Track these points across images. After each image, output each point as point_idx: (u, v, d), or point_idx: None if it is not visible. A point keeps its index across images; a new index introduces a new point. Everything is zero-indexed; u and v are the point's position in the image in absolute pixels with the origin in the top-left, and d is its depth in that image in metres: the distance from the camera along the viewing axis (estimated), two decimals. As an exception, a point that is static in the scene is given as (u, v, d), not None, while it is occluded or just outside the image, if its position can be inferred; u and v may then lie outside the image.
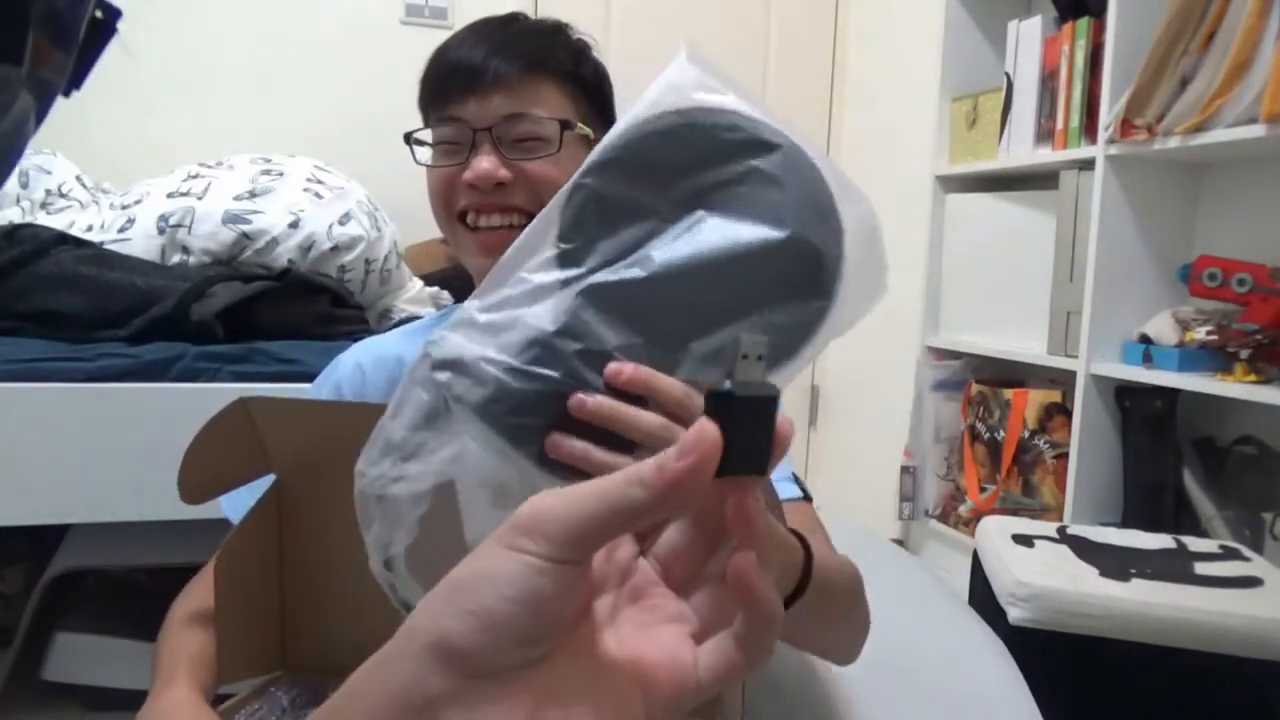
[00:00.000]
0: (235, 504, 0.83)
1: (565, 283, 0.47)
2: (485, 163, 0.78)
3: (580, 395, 0.46)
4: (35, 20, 0.38)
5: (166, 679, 0.71)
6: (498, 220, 0.80)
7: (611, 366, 0.46)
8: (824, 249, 0.48)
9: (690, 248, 0.47)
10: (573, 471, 0.47)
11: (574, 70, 0.83)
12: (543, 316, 0.47)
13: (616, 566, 0.35)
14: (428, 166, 0.83)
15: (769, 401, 0.32)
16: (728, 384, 0.31)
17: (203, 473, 0.72)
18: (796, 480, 0.83)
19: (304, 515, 0.75)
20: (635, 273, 0.47)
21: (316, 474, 0.74)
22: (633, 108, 0.48)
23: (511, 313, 0.48)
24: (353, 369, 0.89)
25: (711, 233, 0.47)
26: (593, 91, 0.85)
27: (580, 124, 0.82)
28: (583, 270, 0.48)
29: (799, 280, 0.47)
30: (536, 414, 0.47)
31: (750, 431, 0.31)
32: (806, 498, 0.82)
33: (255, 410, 0.70)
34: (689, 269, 0.47)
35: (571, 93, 0.82)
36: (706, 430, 0.29)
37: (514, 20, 0.84)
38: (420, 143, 0.83)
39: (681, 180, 0.48)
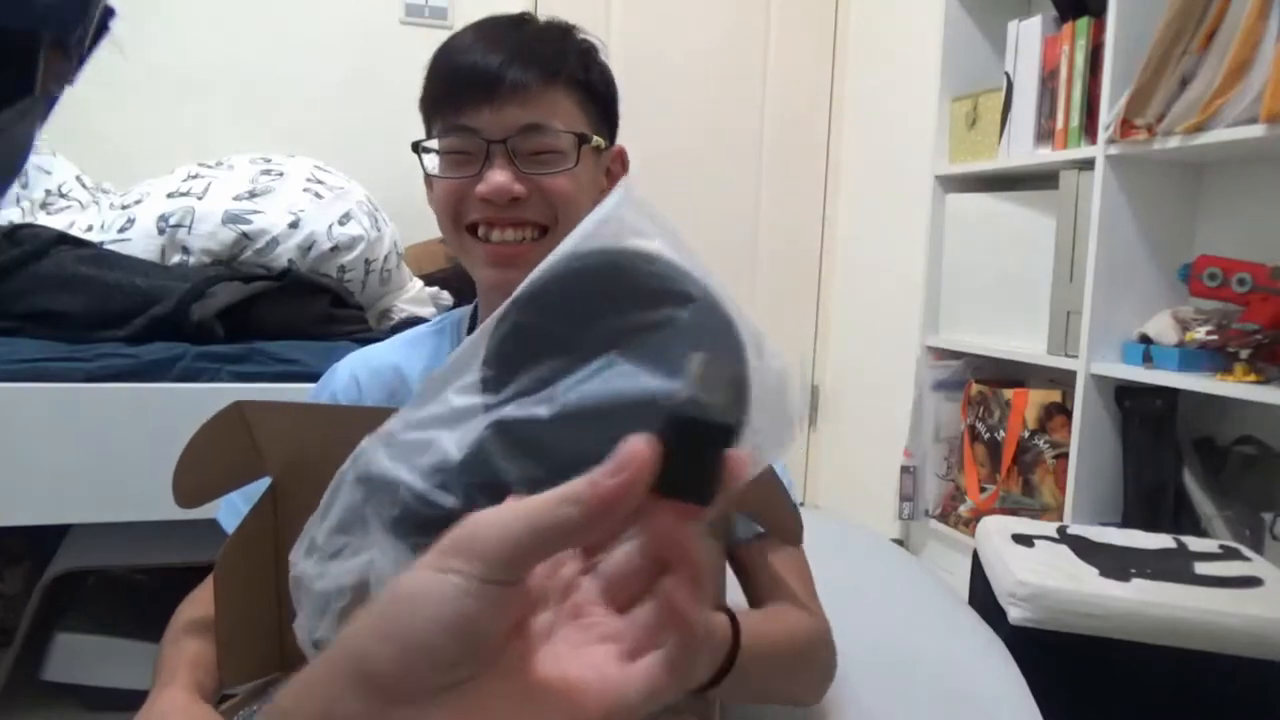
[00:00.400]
0: (230, 513, 0.82)
1: (487, 407, 0.50)
2: (500, 176, 0.76)
3: None
4: (45, 44, 0.38)
5: (165, 681, 0.71)
6: (511, 235, 0.78)
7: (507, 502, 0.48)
8: (723, 409, 0.49)
9: (597, 391, 0.48)
10: None
11: (585, 78, 0.80)
12: (453, 443, 0.49)
13: (559, 583, 0.35)
14: (435, 177, 0.80)
15: (720, 430, 0.31)
16: (681, 397, 0.31)
17: (197, 477, 0.72)
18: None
19: (300, 518, 0.75)
20: (541, 411, 0.48)
21: (312, 476, 0.74)
22: (565, 242, 0.50)
23: (429, 434, 0.50)
24: (348, 381, 0.88)
25: (619, 379, 0.48)
26: (601, 98, 0.83)
27: (594, 135, 0.80)
28: (500, 399, 0.49)
29: None
30: (437, 536, 0.49)
31: (696, 456, 0.31)
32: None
33: (250, 413, 0.71)
34: (594, 411, 0.48)
35: (582, 101, 0.80)
36: (636, 448, 0.29)
37: (524, 22, 0.81)
38: (429, 150, 0.80)
39: (601, 320, 0.49)
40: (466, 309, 0.90)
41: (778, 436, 0.49)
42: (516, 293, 0.50)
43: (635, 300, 0.49)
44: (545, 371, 0.49)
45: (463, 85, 0.77)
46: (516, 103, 0.75)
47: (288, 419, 0.73)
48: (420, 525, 0.49)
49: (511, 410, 0.49)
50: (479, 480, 0.48)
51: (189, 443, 0.71)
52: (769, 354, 0.50)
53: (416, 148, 0.80)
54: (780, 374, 0.49)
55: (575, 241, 0.50)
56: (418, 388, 0.52)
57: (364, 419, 0.77)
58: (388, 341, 0.92)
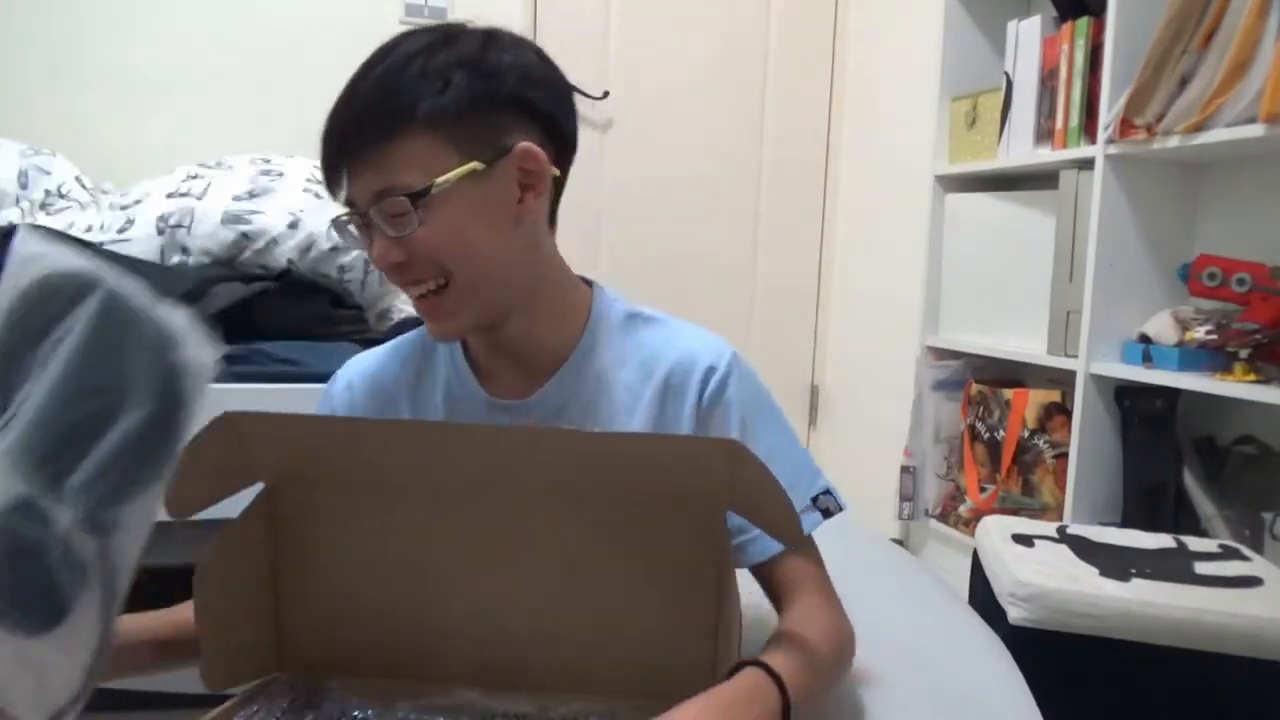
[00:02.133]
0: None
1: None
2: (376, 249, 0.75)
3: None
4: None
5: None
6: (415, 290, 0.77)
7: None
8: (158, 364, 0.60)
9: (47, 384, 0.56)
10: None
11: (436, 103, 0.71)
12: None
13: None
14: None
15: None
16: None
17: (190, 487, 0.73)
18: (816, 502, 0.81)
19: (296, 522, 0.76)
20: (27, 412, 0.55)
21: (307, 484, 0.75)
22: None
23: None
24: (344, 386, 0.89)
25: (56, 366, 0.56)
26: (469, 115, 0.73)
27: (451, 175, 0.72)
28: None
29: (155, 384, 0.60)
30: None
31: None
32: (826, 511, 0.81)
33: (241, 424, 0.71)
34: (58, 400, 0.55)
35: (442, 133, 0.72)
36: None
37: (381, 58, 0.74)
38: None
39: (39, 340, 0.57)
40: None
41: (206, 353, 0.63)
42: None
43: (49, 313, 0.57)
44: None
45: (323, 159, 0.75)
46: (364, 169, 0.73)
47: (279, 428, 0.73)
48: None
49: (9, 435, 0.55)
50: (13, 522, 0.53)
51: (181, 454, 0.72)
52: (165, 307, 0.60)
53: (335, 223, 0.78)
54: (185, 321, 0.63)
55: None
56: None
57: (356, 429, 0.78)
58: (382, 347, 0.92)
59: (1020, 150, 1.95)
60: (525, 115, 0.76)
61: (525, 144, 0.75)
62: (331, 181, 0.76)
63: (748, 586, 0.78)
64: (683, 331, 0.85)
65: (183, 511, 0.73)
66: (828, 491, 0.82)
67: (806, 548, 0.81)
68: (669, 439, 0.78)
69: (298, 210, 1.53)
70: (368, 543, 0.75)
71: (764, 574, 0.80)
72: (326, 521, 0.76)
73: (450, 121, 0.72)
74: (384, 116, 0.72)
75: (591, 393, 0.82)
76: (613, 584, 0.72)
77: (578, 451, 0.72)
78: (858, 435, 2.75)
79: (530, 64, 0.77)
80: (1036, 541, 1.34)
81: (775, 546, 0.78)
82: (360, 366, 0.90)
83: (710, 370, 0.81)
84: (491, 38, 0.77)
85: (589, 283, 0.87)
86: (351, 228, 0.77)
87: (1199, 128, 1.50)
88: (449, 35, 0.75)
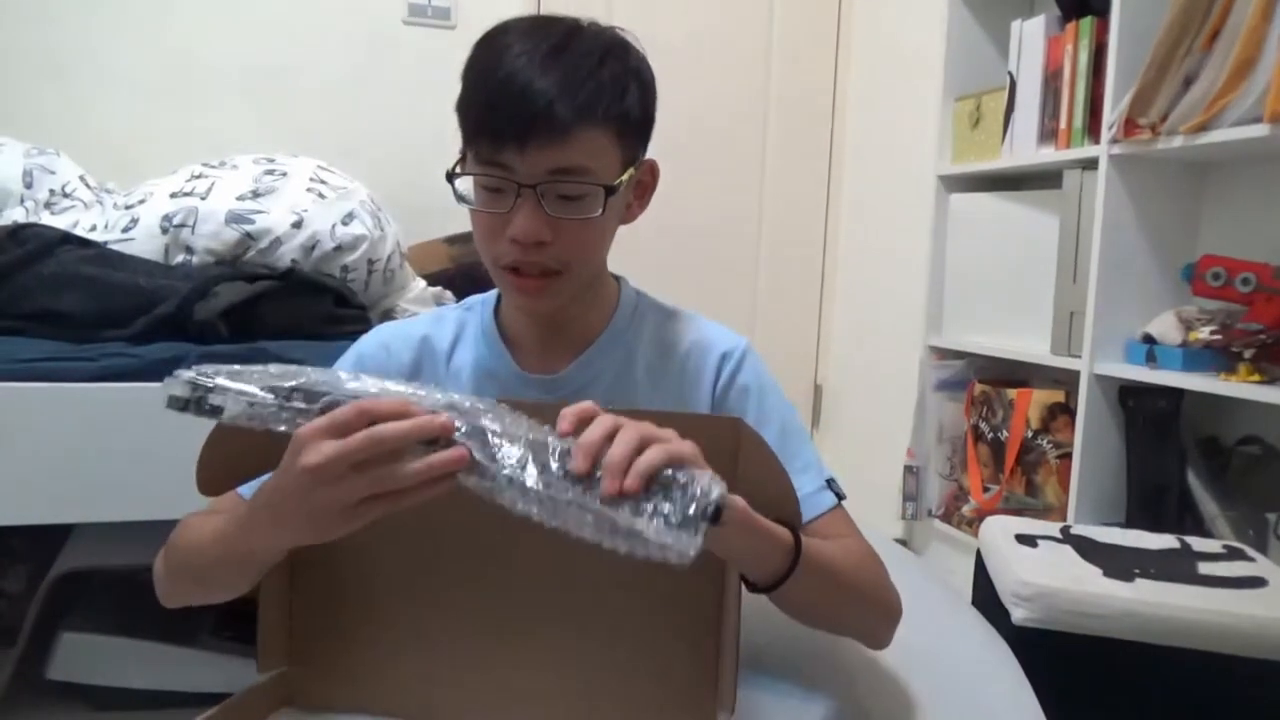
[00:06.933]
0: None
1: None
2: (528, 222, 0.75)
3: None
4: None
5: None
6: (531, 269, 0.79)
7: None
8: None
9: None
10: None
11: (622, 108, 0.77)
12: None
13: None
14: (471, 208, 0.79)
15: None
16: None
17: (219, 465, 0.74)
18: (830, 485, 0.86)
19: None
20: None
21: None
22: None
23: None
24: (376, 347, 0.90)
25: None
26: (638, 124, 0.80)
27: (627, 175, 0.79)
28: None
29: None
30: None
31: None
32: (841, 496, 0.86)
33: None
34: None
35: (620, 132, 0.78)
36: None
37: (568, 43, 0.76)
38: (461, 175, 0.79)
39: None
40: (491, 292, 0.91)
41: None
42: None
43: None
44: None
45: (500, 121, 0.74)
46: (551, 146, 0.74)
47: None
48: None
49: None
50: None
51: (210, 434, 0.74)
52: None
53: (450, 177, 0.78)
54: None
55: None
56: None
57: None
58: (416, 317, 0.96)
59: (1024, 150, 1.94)
60: (650, 134, 0.83)
61: (651, 159, 0.84)
62: (489, 141, 0.75)
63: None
64: (701, 323, 0.92)
65: (211, 490, 0.74)
66: (833, 480, 0.88)
67: (837, 515, 0.85)
68: (677, 415, 0.80)
69: (301, 210, 1.53)
70: (382, 549, 0.76)
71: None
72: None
73: (621, 127, 0.78)
74: (586, 101, 0.74)
75: (616, 372, 0.88)
76: (611, 605, 0.73)
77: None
78: (861, 435, 2.74)
79: (654, 80, 0.83)
80: (1040, 542, 1.34)
81: (808, 514, 0.82)
82: (395, 331, 0.92)
83: (725, 356, 0.88)
84: (637, 50, 0.82)
85: (614, 275, 0.93)
86: (484, 188, 0.77)
87: (1203, 128, 1.50)
88: (615, 43, 0.79)
